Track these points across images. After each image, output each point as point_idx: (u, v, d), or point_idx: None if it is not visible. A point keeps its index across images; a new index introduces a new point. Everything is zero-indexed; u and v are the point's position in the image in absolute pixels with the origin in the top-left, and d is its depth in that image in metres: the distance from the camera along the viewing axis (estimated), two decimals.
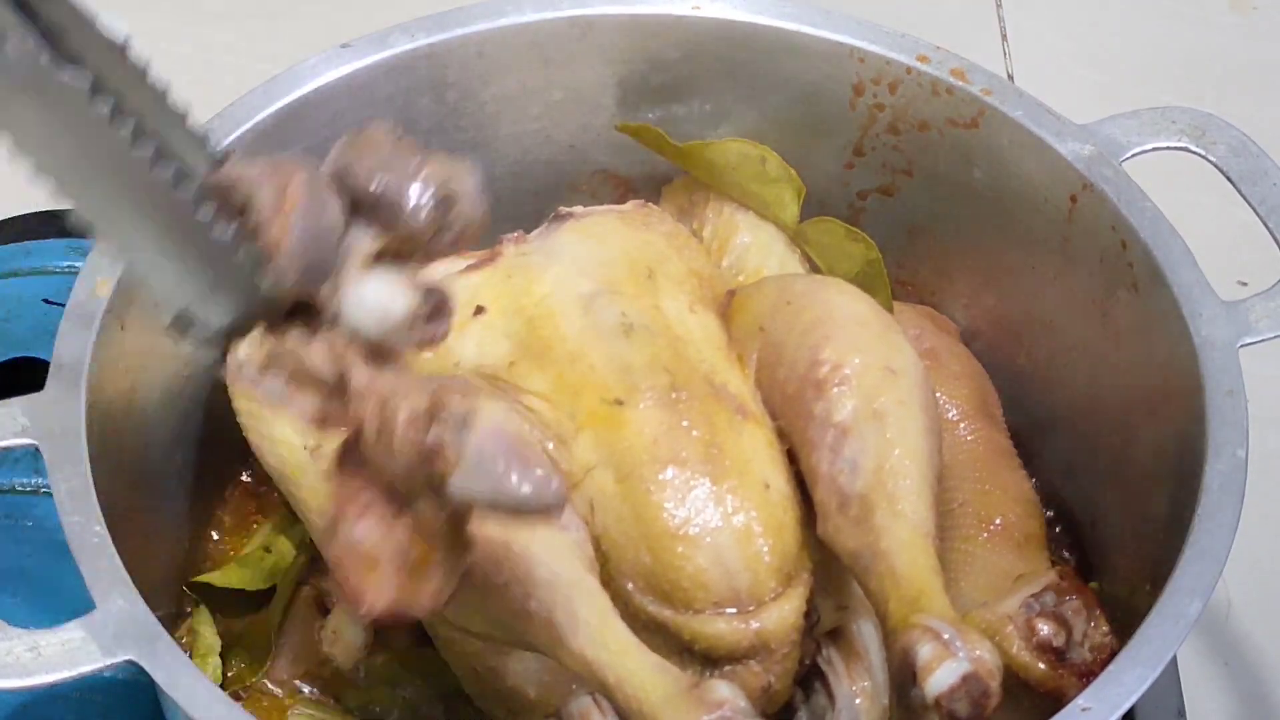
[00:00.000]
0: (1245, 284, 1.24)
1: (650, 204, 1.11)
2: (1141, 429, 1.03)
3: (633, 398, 0.95)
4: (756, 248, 1.10)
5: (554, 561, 0.87)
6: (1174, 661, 1.06)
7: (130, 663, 0.84)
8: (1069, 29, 1.61)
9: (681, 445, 0.93)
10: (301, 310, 0.78)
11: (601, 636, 0.85)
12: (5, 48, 0.71)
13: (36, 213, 1.25)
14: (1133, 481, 1.04)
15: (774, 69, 1.11)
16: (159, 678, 0.84)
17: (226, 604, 1.08)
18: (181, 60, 1.52)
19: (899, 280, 1.14)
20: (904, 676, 0.85)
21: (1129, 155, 1.05)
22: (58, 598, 1.04)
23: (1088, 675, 0.93)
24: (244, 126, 1.04)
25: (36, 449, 0.91)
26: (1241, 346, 0.97)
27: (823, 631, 0.97)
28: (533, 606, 0.85)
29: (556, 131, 1.14)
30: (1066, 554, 1.11)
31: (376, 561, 0.76)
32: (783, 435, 0.96)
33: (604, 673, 0.84)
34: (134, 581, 0.87)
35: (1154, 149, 1.06)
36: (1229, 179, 1.04)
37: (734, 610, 0.91)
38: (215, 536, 1.13)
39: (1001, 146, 1.07)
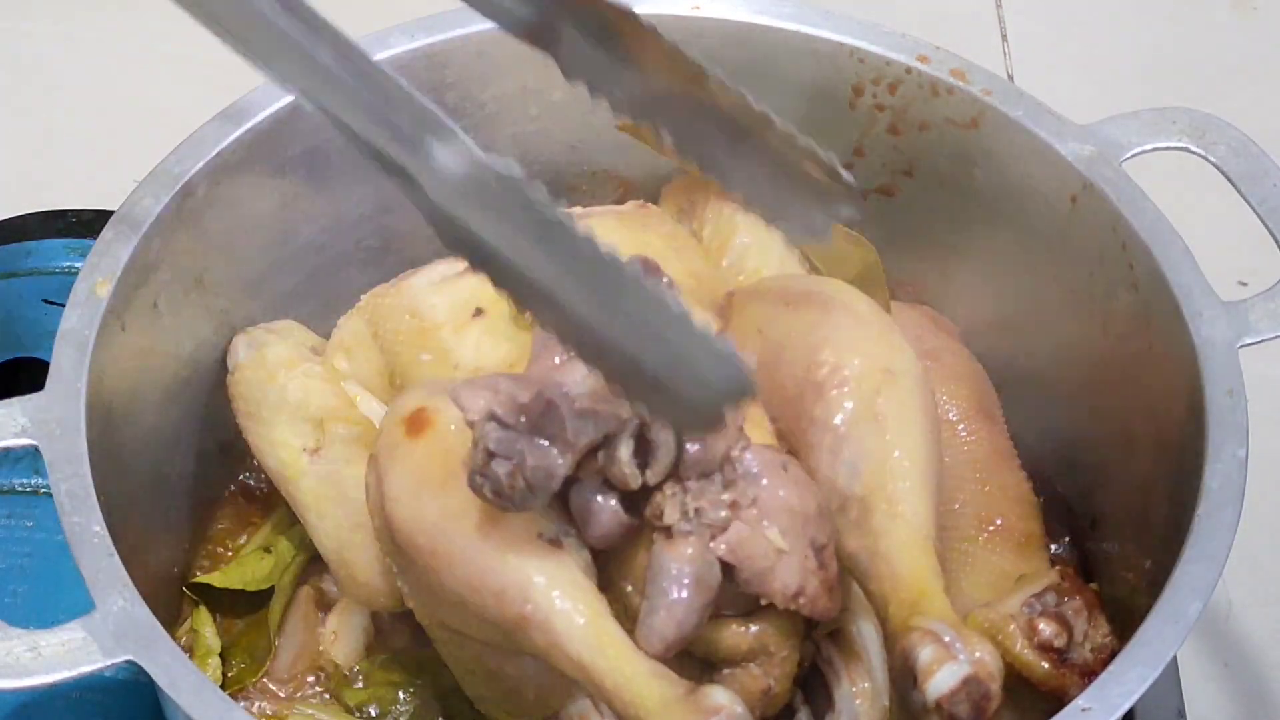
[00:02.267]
0: (1245, 284, 1.24)
1: (649, 205, 1.11)
2: (1141, 429, 1.03)
3: None
4: (756, 248, 1.10)
5: (551, 565, 0.86)
6: (1174, 661, 1.06)
7: (130, 663, 0.84)
8: (1069, 29, 1.61)
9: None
10: None
11: (598, 641, 0.84)
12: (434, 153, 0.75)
13: (36, 213, 1.26)
14: (1133, 481, 1.04)
15: (774, 69, 1.11)
16: (159, 678, 0.84)
17: (226, 604, 1.08)
18: (182, 60, 1.52)
19: (899, 280, 1.14)
20: (905, 679, 0.85)
21: (1129, 155, 1.05)
22: (58, 598, 1.04)
23: (1090, 675, 0.93)
24: (243, 127, 1.04)
25: (36, 449, 0.91)
26: (1241, 346, 0.96)
27: (823, 633, 0.97)
28: (529, 610, 0.85)
29: (556, 131, 1.14)
30: (1066, 554, 1.11)
31: None
32: (782, 437, 0.96)
33: (600, 678, 0.84)
34: (134, 581, 0.87)
35: (1154, 149, 1.06)
36: (1229, 179, 1.04)
37: (733, 613, 0.91)
38: (215, 537, 1.13)
39: (1001, 146, 1.07)
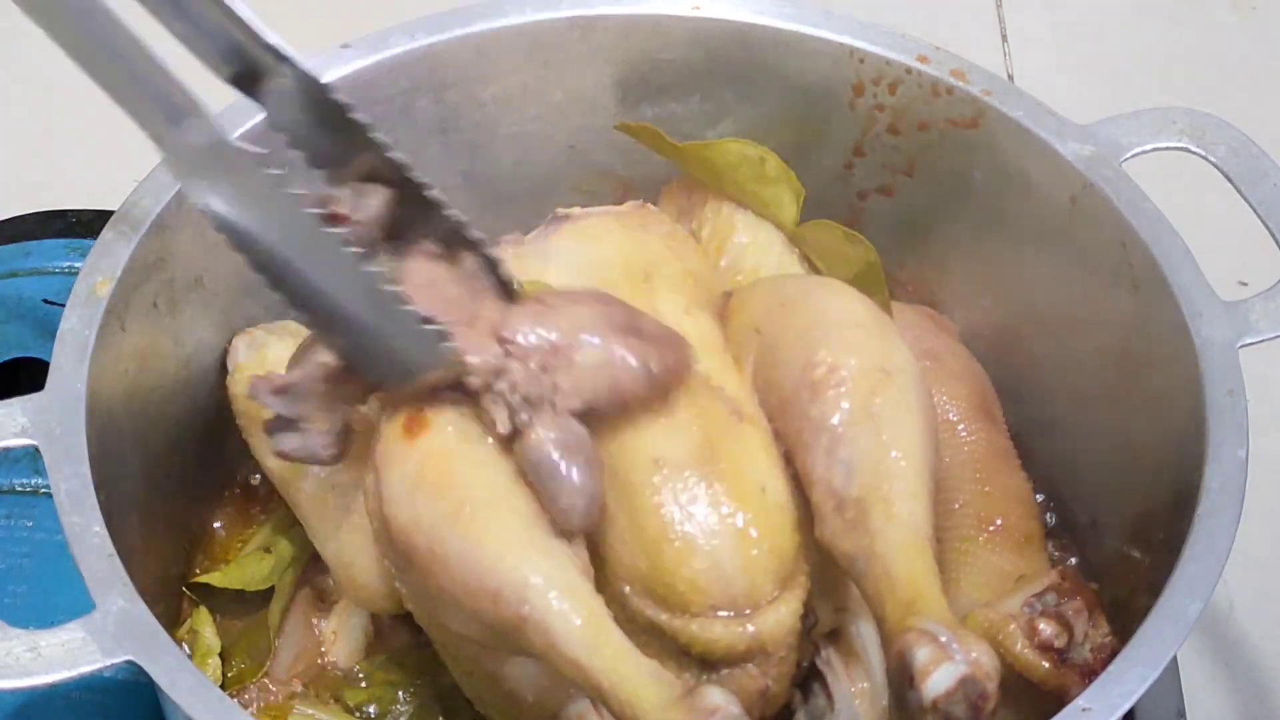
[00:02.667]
0: (1245, 284, 1.24)
1: (648, 205, 1.11)
2: (1141, 429, 1.03)
3: None
4: (755, 248, 1.10)
5: (548, 566, 0.87)
6: (1174, 661, 1.06)
7: (130, 663, 0.84)
8: (1069, 29, 1.61)
9: (677, 448, 0.93)
10: None
11: (595, 642, 0.84)
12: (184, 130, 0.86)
13: (36, 213, 1.26)
14: (1133, 481, 1.04)
15: (774, 69, 1.11)
16: (159, 678, 0.84)
17: (226, 604, 1.08)
18: (182, 60, 1.52)
19: (899, 280, 1.14)
20: (901, 679, 0.85)
21: (1129, 155, 1.05)
22: (58, 598, 1.04)
23: (1090, 675, 0.93)
24: (244, 127, 1.04)
25: (36, 449, 0.91)
26: (1241, 346, 0.96)
27: (821, 633, 0.97)
28: (526, 611, 0.85)
29: (556, 131, 1.14)
30: (1066, 554, 1.11)
31: None
32: (779, 437, 0.96)
33: (598, 679, 0.84)
34: (134, 581, 0.87)
35: (1154, 149, 1.06)
36: (1229, 179, 1.04)
37: (730, 613, 0.91)
38: (215, 536, 1.13)
39: (1001, 146, 1.07)
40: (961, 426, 1.08)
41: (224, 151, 0.86)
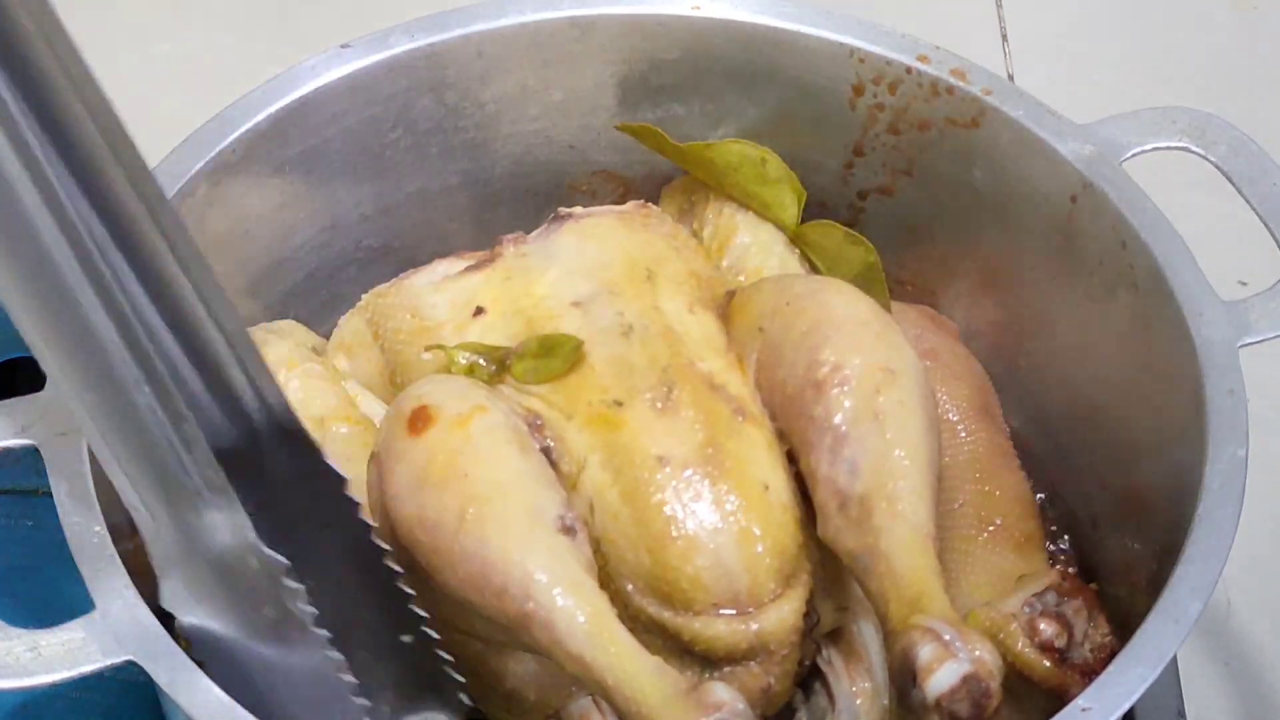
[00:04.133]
0: (1245, 284, 1.24)
1: (650, 204, 1.11)
2: (1141, 429, 1.03)
3: (632, 399, 0.95)
4: (756, 248, 1.10)
5: (553, 563, 0.87)
6: (1174, 661, 1.06)
7: (130, 663, 0.84)
8: (1069, 29, 1.61)
9: (681, 446, 0.93)
10: None
11: (600, 638, 0.85)
12: None
13: None
14: (1133, 481, 1.04)
15: (774, 69, 1.11)
16: (159, 678, 0.84)
17: None
18: (182, 60, 1.52)
19: (899, 280, 1.14)
20: (904, 677, 0.85)
21: (1129, 155, 1.05)
22: (58, 598, 1.04)
23: (1090, 674, 0.93)
24: (243, 127, 1.04)
25: (36, 449, 0.91)
26: (1241, 346, 0.96)
27: (823, 632, 0.97)
28: (531, 608, 0.85)
29: (556, 131, 1.14)
30: (1066, 554, 1.11)
31: None
32: (782, 436, 0.96)
33: (602, 675, 0.84)
34: (134, 581, 0.87)
35: (1154, 149, 1.06)
36: (1229, 179, 1.04)
37: (733, 611, 0.91)
38: None
39: (1001, 146, 1.07)
40: (961, 426, 1.09)
41: (247, 555, 0.82)
